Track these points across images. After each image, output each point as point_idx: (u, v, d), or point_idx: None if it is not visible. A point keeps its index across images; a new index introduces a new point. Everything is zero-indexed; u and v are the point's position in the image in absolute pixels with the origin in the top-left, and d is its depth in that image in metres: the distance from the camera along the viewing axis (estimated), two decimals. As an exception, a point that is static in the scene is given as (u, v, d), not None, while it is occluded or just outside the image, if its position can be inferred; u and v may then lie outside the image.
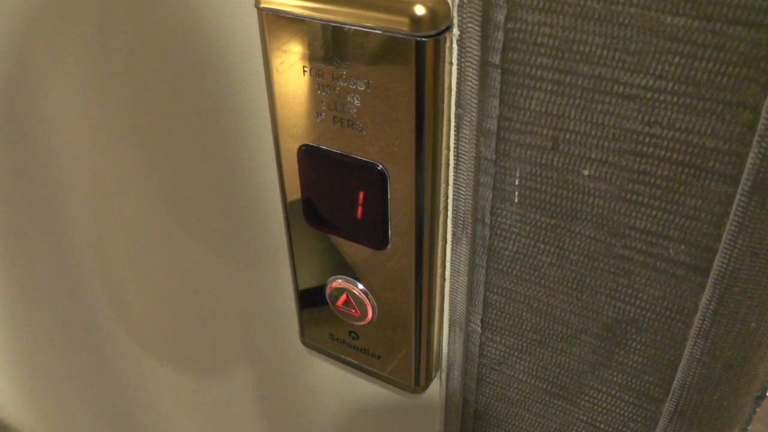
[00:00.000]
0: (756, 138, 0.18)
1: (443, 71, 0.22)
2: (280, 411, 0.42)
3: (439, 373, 0.30)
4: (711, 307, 0.21)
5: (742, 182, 0.19)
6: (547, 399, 0.27)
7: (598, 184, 0.21)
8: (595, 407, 0.26)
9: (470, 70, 0.22)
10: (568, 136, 0.21)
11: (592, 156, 0.21)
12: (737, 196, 0.19)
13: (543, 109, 0.21)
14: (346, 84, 0.24)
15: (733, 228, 0.20)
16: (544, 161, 0.22)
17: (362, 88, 0.23)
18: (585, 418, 0.27)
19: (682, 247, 0.21)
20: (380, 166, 0.25)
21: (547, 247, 0.23)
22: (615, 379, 0.25)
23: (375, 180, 0.25)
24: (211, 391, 0.46)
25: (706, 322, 0.22)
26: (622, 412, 0.26)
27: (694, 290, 0.22)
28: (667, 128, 0.19)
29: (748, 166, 0.19)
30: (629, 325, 0.23)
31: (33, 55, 0.37)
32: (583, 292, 0.24)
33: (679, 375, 0.23)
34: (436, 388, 0.31)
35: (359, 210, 0.26)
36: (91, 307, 0.50)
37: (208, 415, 0.49)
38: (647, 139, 0.20)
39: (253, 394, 0.43)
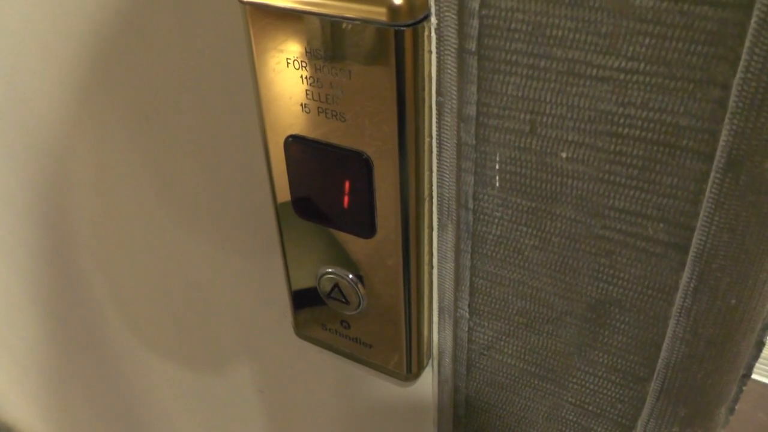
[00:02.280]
0: (728, 115, 0.19)
1: (423, 60, 0.23)
2: (278, 403, 0.43)
3: (430, 361, 0.31)
4: (691, 285, 0.22)
5: (716, 159, 0.19)
6: (535, 382, 0.27)
7: (576, 165, 0.21)
8: (583, 389, 0.26)
9: (449, 57, 0.22)
10: (544, 119, 0.21)
11: (569, 138, 0.21)
12: (712, 173, 0.20)
13: (519, 94, 0.21)
14: (329, 75, 0.24)
15: (709, 205, 0.20)
16: (522, 145, 0.22)
17: (345, 79, 0.24)
18: (573, 400, 0.27)
19: (661, 225, 0.21)
20: (365, 155, 0.25)
21: (529, 230, 0.24)
22: (601, 360, 0.25)
23: (360, 169, 0.25)
24: (210, 385, 0.47)
25: (687, 300, 0.22)
26: (609, 393, 0.26)
27: (674, 268, 0.22)
28: (640, 108, 0.20)
29: (721, 143, 0.19)
30: (612, 305, 0.24)
31: (27, 53, 0.37)
32: (566, 274, 0.24)
33: (663, 354, 0.24)
34: (428, 376, 0.31)
35: (346, 199, 0.27)
36: (90, 306, 0.51)
37: (208, 409, 0.49)
38: (622, 120, 0.20)
39: (251, 387, 0.43)
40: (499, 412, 0.30)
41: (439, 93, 0.23)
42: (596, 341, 0.25)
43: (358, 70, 0.23)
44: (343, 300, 0.30)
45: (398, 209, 0.26)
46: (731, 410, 0.25)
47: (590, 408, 0.27)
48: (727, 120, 0.19)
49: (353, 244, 0.28)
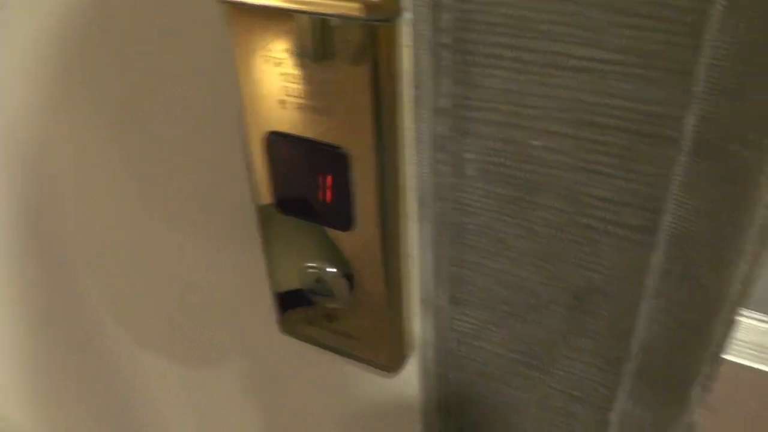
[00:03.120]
0: (694, 101, 0.19)
1: (399, 54, 0.23)
2: (267, 400, 0.43)
3: (414, 352, 0.31)
4: (666, 268, 0.22)
5: (684, 145, 0.20)
6: (521, 370, 0.28)
7: (556, 155, 0.22)
8: (569, 375, 0.27)
9: (423, 51, 0.22)
10: (524, 110, 0.21)
11: (549, 129, 0.21)
12: (682, 159, 0.20)
13: (500, 86, 0.21)
14: (306, 71, 0.24)
15: (680, 190, 0.21)
16: (502, 136, 0.22)
17: (323, 74, 0.24)
18: (559, 387, 0.28)
19: (638, 211, 0.22)
20: (343, 149, 0.25)
21: (512, 220, 0.24)
22: (585, 346, 0.26)
23: (338, 163, 0.25)
24: (202, 383, 0.47)
25: (662, 283, 0.23)
26: (593, 377, 0.26)
27: (649, 253, 0.22)
28: (618, 98, 0.20)
29: (689, 128, 0.20)
30: (595, 292, 0.24)
31: (3, 48, 0.37)
32: (549, 263, 0.24)
33: (639, 336, 0.24)
34: (413, 367, 0.32)
35: (325, 193, 0.27)
36: (81, 304, 0.51)
37: (203, 407, 0.49)
38: (601, 110, 0.20)
39: (241, 384, 0.43)
40: (486, 400, 0.30)
41: (415, 86, 0.23)
42: (580, 328, 0.25)
43: (335, 65, 0.23)
44: (326, 293, 0.30)
45: (376, 202, 0.26)
46: (706, 388, 0.26)
47: (575, 393, 0.27)
48: (694, 106, 0.19)
49: (333, 237, 0.28)
